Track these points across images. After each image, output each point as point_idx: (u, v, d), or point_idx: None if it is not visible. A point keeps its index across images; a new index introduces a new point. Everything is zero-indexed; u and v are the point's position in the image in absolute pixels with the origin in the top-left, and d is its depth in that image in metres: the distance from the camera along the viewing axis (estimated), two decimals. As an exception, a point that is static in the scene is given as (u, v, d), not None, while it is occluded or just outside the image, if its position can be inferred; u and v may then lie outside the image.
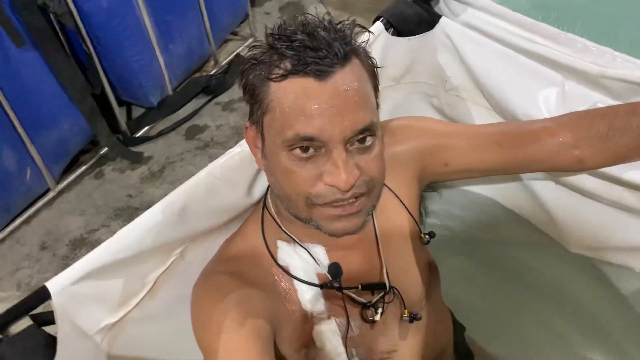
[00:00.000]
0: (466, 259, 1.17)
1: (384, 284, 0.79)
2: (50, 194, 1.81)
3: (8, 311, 0.63)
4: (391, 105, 1.12)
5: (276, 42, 0.65)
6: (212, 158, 0.84)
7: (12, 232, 1.72)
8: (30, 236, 1.72)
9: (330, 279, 0.77)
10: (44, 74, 1.62)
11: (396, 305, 0.81)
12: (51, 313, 0.67)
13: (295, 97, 0.64)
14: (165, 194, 0.79)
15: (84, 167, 1.90)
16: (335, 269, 0.77)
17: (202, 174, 0.81)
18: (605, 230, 0.98)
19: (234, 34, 2.41)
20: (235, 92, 2.16)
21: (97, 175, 1.90)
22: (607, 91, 0.93)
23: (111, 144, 1.88)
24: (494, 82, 0.99)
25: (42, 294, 0.66)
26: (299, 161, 0.66)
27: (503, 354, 1.01)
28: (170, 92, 2.09)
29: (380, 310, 0.78)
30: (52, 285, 0.67)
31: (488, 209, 1.14)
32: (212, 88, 2.14)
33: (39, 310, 0.67)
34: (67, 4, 1.60)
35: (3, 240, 1.70)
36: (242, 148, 0.83)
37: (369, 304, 0.78)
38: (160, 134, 2.02)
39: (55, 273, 0.69)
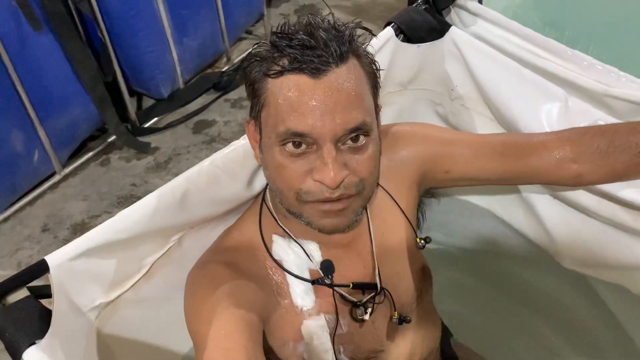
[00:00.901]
0: (459, 267, 1.18)
1: (375, 284, 0.80)
2: (56, 178, 1.83)
3: (7, 281, 0.65)
4: (397, 110, 1.13)
5: (278, 40, 0.67)
6: (218, 154, 0.85)
7: (15, 212, 1.74)
8: (32, 218, 1.74)
9: (322, 275, 0.78)
10: (58, 58, 1.65)
11: (386, 306, 0.82)
12: (48, 287, 0.68)
13: (289, 93, 0.65)
14: (169, 186, 0.80)
15: (90, 154, 1.92)
16: (327, 266, 0.79)
17: (205, 163, 0.82)
18: (600, 247, 0.98)
19: (248, 32, 2.43)
20: (245, 90, 2.18)
21: (103, 163, 1.92)
22: (609, 109, 0.93)
23: (119, 132, 1.90)
24: (498, 94, 0.99)
25: (41, 267, 0.67)
26: (290, 157, 0.67)
27: (490, 362, 1.02)
28: (181, 85, 2.11)
29: (369, 310, 0.79)
30: (51, 259, 0.68)
31: (484, 219, 1.14)
32: (223, 84, 2.16)
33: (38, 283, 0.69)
34: (85, -9, 1.63)
35: (6, 219, 1.72)
36: (246, 141, 0.84)
37: (359, 303, 0.79)
38: (169, 126, 2.04)
39: (55, 256, 0.70)
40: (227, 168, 0.83)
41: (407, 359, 0.86)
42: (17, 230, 1.70)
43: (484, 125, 1.07)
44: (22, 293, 0.66)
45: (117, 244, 0.74)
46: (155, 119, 2.06)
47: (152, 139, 1.99)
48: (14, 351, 0.60)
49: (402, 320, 0.81)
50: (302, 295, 0.78)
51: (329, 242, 0.80)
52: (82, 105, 1.77)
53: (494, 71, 1.00)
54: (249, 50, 0.71)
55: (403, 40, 1.03)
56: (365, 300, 0.79)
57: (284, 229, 0.80)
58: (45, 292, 0.68)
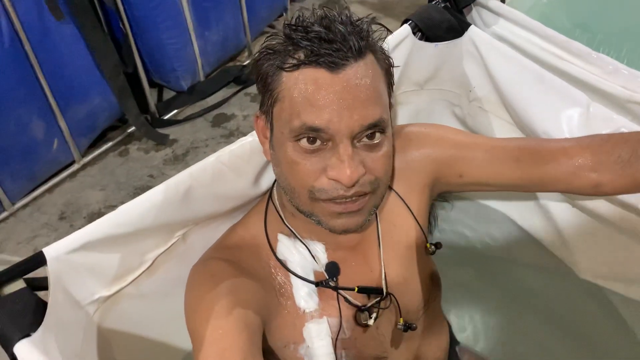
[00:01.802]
0: (471, 272, 1.15)
1: (381, 289, 0.78)
2: (75, 167, 1.84)
3: (3, 272, 0.64)
4: (413, 110, 1.11)
5: (292, 32, 0.65)
6: (236, 147, 0.83)
7: (34, 199, 1.76)
8: (50, 205, 1.75)
9: (327, 277, 0.76)
10: (80, 48, 1.66)
11: (392, 312, 0.80)
12: (46, 279, 0.68)
13: (306, 87, 0.64)
14: (185, 178, 0.79)
15: (109, 144, 1.93)
16: (332, 268, 0.77)
17: (210, 159, 0.81)
18: (618, 259, 0.95)
19: (271, 27, 2.41)
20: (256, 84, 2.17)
21: (121, 153, 1.93)
22: (633, 116, 0.89)
23: (139, 123, 1.91)
24: (517, 97, 0.96)
25: (38, 259, 0.67)
26: (304, 153, 0.66)
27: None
28: (201, 78, 2.10)
29: (374, 315, 0.77)
30: (49, 251, 0.68)
31: (500, 225, 1.11)
32: (244, 78, 2.15)
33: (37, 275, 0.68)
34: (107, -18, 1.64)
35: (25, 206, 1.74)
36: (253, 137, 0.82)
37: (363, 308, 0.77)
38: (188, 118, 2.04)
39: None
40: (232, 164, 0.82)
41: (411, 367, 0.84)
42: (35, 217, 1.72)
43: (502, 129, 1.04)
44: (18, 285, 0.65)
45: (118, 237, 0.74)
46: (175, 111, 2.06)
47: (171, 131, 1.99)
48: (6, 344, 0.60)
49: (408, 327, 0.79)
50: (305, 297, 0.76)
51: (335, 244, 0.78)
52: (103, 95, 1.78)
53: (514, 73, 0.97)
54: (265, 44, 0.69)
55: (420, 39, 1.00)
56: (370, 304, 0.77)
57: (289, 228, 0.78)
58: (42, 284, 0.67)
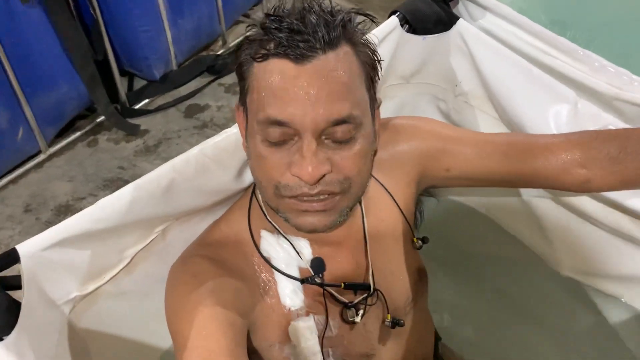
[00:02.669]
0: (454, 268, 1.15)
1: (368, 285, 0.77)
2: (41, 157, 1.77)
3: (-28, 271, 0.60)
4: (397, 104, 1.10)
5: (268, 23, 0.63)
6: (209, 139, 0.81)
7: (-3, 190, 1.69)
8: (15, 197, 1.68)
9: (312, 273, 0.74)
10: (47, 34, 1.59)
11: (379, 308, 0.79)
12: (19, 277, 0.64)
13: (272, 78, 0.62)
14: (157, 170, 0.76)
15: (78, 133, 1.87)
16: (317, 264, 0.75)
17: (194, 151, 0.78)
18: (601, 256, 0.96)
19: (246, 16, 2.37)
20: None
21: (90, 143, 1.87)
22: (619, 114, 0.90)
23: (108, 112, 1.85)
24: (504, 92, 0.96)
25: (11, 257, 0.63)
26: (270, 147, 0.64)
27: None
28: (174, 67, 2.05)
29: (361, 312, 0.75)
30: (22, 248, 0.64)
31: (482, 222, 1.11)
32: (217, 68, 2.10)
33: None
34: (77, -36, 1.57)
35: (-13, 198, 1.67)
36: (238, 129, 0.80)
37: (350, 304, 0.75)
38: (160, 108, 1.98)
39: (36, 238, 0.66)
40: (216, 157, 0.79)
41: (399, 364, 0.83)
42: (-1, 210, 1.65)
43: (488, 125, 1.04)
44: (-12, 284, 0.61)
45: (96, 234, 0.70)
46: (146, 100, 2.01)
47: (142, 121, 1.94)
48: (-23, 349, 0.56)
49: (395, 323, 0.78)
50: (290, 294, 0.74)
51: (320, 239, 0.76)
52: (71, 83, 1.72)
53: (502, 68, 0.96)
54: (246, 34, 0.66)
55: (408, 31, 0.98)
56: (357, 301, 0.76)
57: (272, 225, 0.76)
58: (15, 283, 0.63)
